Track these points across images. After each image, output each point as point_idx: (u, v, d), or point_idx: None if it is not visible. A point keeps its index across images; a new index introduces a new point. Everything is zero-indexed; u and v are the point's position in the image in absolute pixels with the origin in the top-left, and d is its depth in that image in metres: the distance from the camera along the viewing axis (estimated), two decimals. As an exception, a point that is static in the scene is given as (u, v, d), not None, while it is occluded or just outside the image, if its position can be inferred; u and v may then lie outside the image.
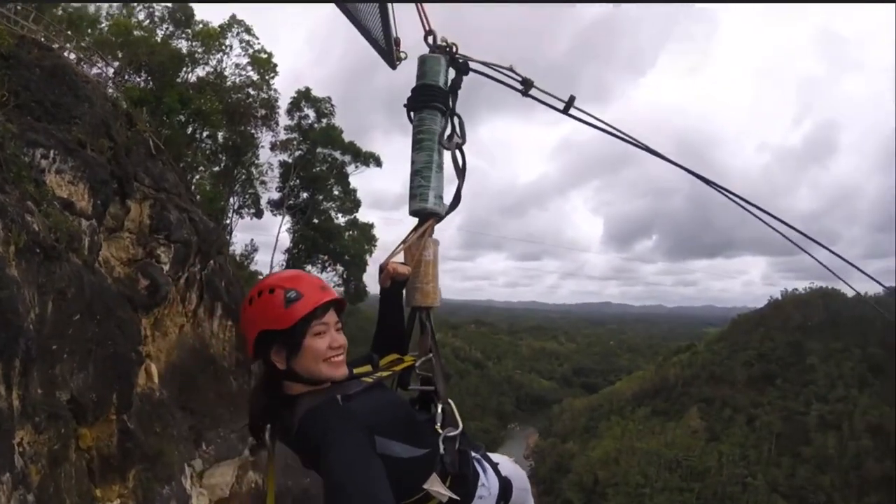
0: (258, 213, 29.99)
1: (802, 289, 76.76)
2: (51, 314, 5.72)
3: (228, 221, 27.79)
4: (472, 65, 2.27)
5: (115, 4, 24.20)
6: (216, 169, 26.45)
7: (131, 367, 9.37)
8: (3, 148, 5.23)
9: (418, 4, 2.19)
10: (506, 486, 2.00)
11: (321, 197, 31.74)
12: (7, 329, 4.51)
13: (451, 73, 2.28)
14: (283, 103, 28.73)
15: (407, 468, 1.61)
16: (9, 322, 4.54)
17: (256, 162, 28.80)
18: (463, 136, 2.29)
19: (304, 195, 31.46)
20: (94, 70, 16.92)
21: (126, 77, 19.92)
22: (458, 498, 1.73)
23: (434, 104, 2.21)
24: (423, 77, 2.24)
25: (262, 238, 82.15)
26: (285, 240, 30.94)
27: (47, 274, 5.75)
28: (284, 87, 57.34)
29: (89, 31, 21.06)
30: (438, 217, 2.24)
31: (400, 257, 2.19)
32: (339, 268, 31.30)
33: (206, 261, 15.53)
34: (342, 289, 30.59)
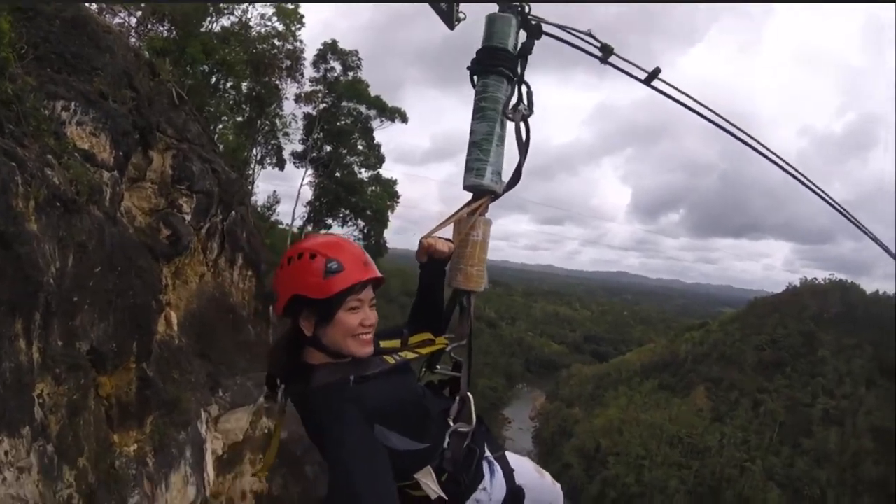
0: (280, 165, 29.95)
1: (822, 279, 75.02)
2: (71, 267, 5.80)
3: (251, 172, 27.83)
4: (545, 27, 2.05)
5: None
6: (239, 119, 26.29)
7: (151, 315, 9.57)
8: (22, 101, 5.20)
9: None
10: (516, 494, 1.92)
11: (345, 151, 31.44)
12: (27, 284, 4.60)
13: (522, 36, 2.06)
14: (309, 55, 28.17)
15: (401, 459, 1.59)
16: (28, 277, 4.62)
17: (280, 113, 28.49)
18: (530, 107, 2.07)
19: (328, 148, 31.17)
20: (116, 20, 16.56)
21: (149, 27, 19.56)
22: (446, 497, 1.70)
23: (501, 69, 2.01)
24: (491, 39, 2.02)
25: (285, 189, 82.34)
26: (307, 192, 31.03)
27: (68, 227, 5.80)
28: (311, 37, 56.76)
29: (111, -22, 20.62)
30: (494, 195, 2.07)
31: (448, 233, 2.03)
32: (360, 222, 31.38)
33: (227, 211, 15.64)
34: (363, 243, 30.75)
